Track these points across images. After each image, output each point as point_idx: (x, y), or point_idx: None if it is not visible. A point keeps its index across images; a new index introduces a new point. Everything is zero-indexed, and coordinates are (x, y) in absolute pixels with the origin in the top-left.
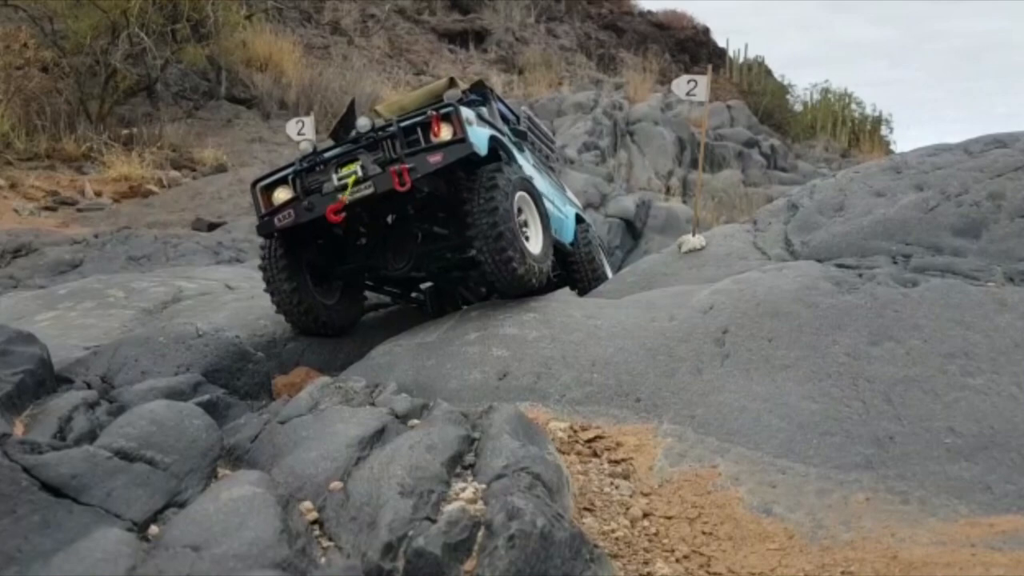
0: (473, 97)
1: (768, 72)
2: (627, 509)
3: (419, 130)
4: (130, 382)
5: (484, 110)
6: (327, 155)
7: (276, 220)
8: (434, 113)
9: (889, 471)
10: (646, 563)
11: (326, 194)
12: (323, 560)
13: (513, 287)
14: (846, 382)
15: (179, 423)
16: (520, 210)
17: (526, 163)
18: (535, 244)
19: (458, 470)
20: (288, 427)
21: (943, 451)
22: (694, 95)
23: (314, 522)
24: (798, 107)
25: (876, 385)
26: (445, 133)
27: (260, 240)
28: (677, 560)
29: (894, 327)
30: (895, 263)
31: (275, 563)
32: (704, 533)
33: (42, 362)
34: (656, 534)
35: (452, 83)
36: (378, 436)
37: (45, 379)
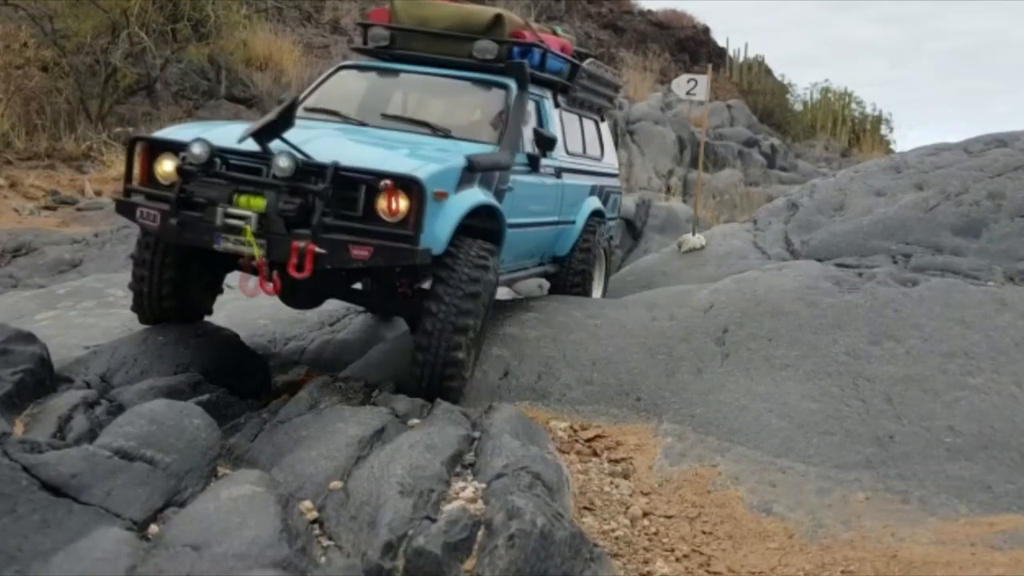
0: (512, 60)
1: (768, 71)
2: (627, 508)
3: (363, 191)
4: (130, 381)
5: (512, 89)
6: (233, 159)
7: (139, 213)
8: (388, 183)
9: (889, 470)
10: (646, 562)
11: (205, 224)
12: (323, 559)
13: (433, 390)
14: (846, 381)
15: (179, 422)
16: None
17: (532, 186)
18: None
19: (458, 469)
20: (288, 426)
21: (943, 450)
22: (694, 94)
23: (314, 521)
24: (798, 106)
25: (876, 384)
26: (399, 208)
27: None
28: (677, 559)
29: (894, 326)
30: (895, 262)
31: (275, 562)
32: (704, 532)
33: (42, 361)
34: (656, 533)
35: (497, 21)
36: (378, 435)
37: (45, 378)
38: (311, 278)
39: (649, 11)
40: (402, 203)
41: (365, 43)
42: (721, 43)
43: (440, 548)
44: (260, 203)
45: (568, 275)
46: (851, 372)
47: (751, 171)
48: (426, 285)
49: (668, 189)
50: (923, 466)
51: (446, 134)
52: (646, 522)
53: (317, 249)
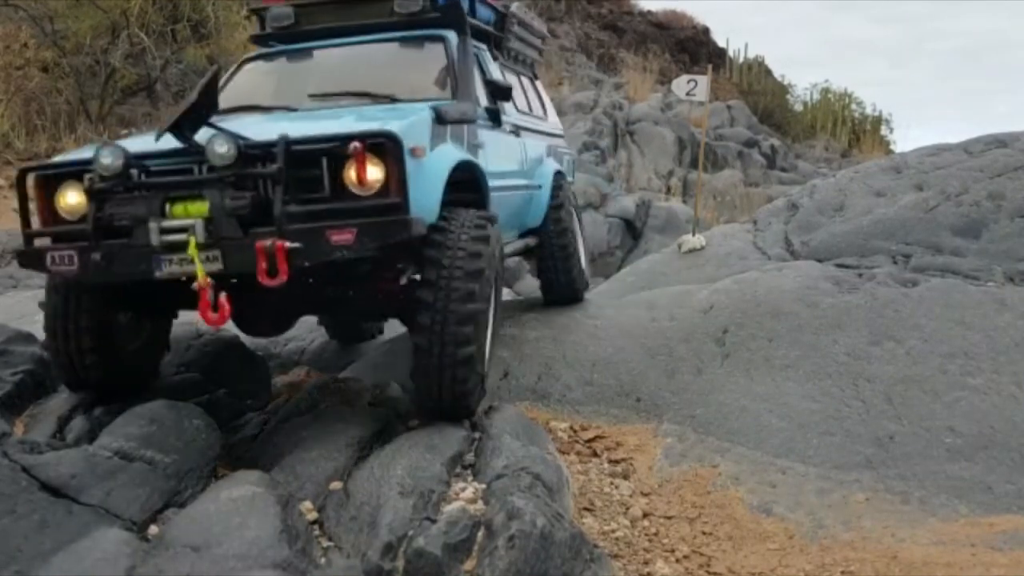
0: (441, 5)
1: (768, 72)
2: (627, 509)
3: (324, 163)
4: None
5: (451, 39)
6: (155, 164)
7: (49, 259)
8: (358, 145)
9: (889, 471)
10: (646, 563)
11: (138, 250)
12: (323, 560)
13: (452, 408)
14: (846, 382)
15: (178, 423)
16: None
17: (501, 142)
18: (486, 346)
19: (458, 470)
20: (288, 427)
21: (943, 451)
22: (694, 95)
23: (314, 522)
24: (798, 107)
25: (876, 385)
26: (373, 177)
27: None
28: (677, 560)
29: (894, 327)
30: (895, 263)
31: (275, 563)
32: (704, 533)
33: (42, 362)
34: (656, 534)
35: None
36: (378, 436)
37: (45, 379)
38: (279, 290)
39: (649, 12)
40: (377, 168)
41: (263, 28)
42: (721, 43)
43: (440, 549)
44: (202, 207)
45: (551, 244)
46: (851, 372)
47: (751, 172)
48: (418, 276)
49: (668, 190)
50: (923, 467)
51: (391, 99)
52: (646, 523)
53: (288, 244)
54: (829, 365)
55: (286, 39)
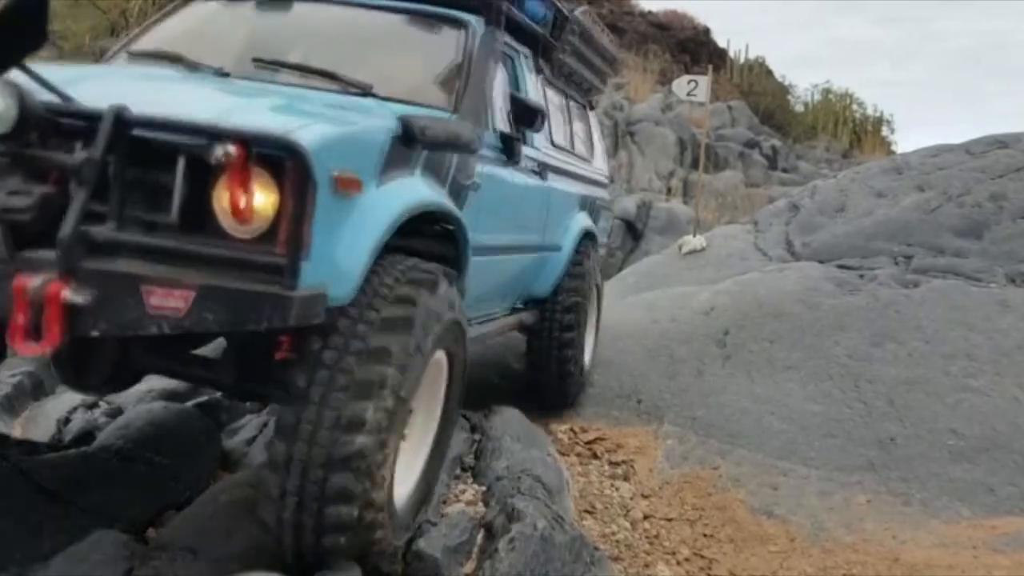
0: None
1: (769, 72)
2: (628, 511)
3: (182, 170)
4: None
5: (475, 29)
6: None
7: None
8: (231, 151)
9: (891, 473)
10: (647, 565)
11: None
12: None
13: (306, 552)
14: (848, 383)
15: (177, 425)
16: None
17: (511, 186)
18: (407, 476)
19: (458, 472)
20: None
21: (945, 453)
22: (695, 95)
23: None
24: (799, 108)
25: (878, 386)
26: (257, 207)
27: None
28: (678, 562)
29: (896, 328)
30: (897, 264)
31: (274, 565)
32: (705, 535)
33: (41, 363)
34: (657, 536)
35: None
36: None
37: (43, 381)
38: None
39: (650, 12)
40: (266, 195)
41: None
42: (722, 44)
43: (440, 551)
44: None
45: (552, 322)
46: (853, 374)
47: (752, 172)
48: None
49: (669, 190)
50: (925, 468)
51: (364, 92)
52: (647, 525)
53: (68, 295)
54: (831, 366)
55: None
